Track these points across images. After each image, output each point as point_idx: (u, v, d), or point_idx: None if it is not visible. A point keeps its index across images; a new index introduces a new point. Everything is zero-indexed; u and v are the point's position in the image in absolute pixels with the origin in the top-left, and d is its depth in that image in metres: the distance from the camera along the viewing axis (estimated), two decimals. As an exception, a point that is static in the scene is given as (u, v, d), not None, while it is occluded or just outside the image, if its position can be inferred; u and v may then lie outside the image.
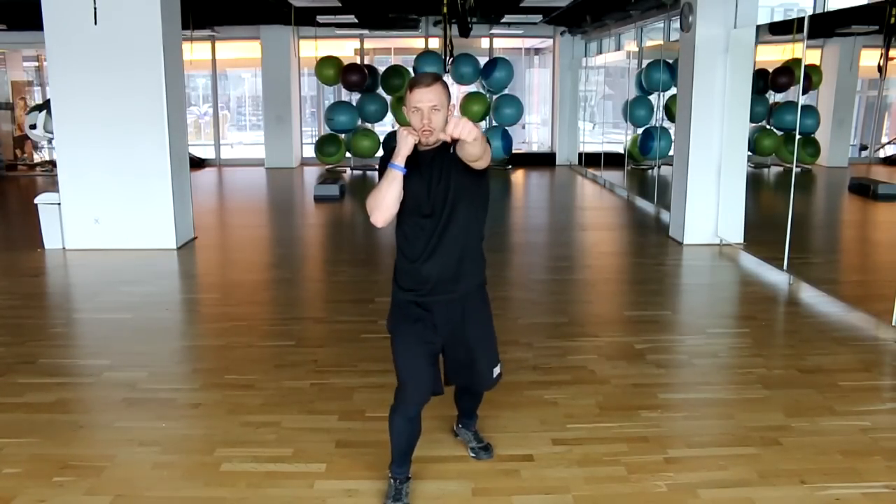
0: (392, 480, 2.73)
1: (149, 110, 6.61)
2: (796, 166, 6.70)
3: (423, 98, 2.45)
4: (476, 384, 2.86)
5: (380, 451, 3.04)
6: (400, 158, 2.46)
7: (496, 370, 2.79)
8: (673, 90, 8.60)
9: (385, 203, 2.50)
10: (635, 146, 11.28)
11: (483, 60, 12.63)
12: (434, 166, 2.53)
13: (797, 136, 6.62)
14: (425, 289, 2.60)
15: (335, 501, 2.75)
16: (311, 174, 12.72)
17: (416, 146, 2.50)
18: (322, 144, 12.81)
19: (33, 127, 7.66)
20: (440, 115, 2.46)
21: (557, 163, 13.98)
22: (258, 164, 13.64)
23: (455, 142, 2.42)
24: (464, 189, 2.53)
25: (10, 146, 13.38)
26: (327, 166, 13.05)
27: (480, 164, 2.48)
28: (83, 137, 6.66)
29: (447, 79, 10.16)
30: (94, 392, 3.83)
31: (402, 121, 11.44)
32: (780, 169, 11.23)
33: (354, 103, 12.81)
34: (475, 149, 2.36)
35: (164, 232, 6.83)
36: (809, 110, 10.66)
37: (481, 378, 2.78)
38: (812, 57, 10.84)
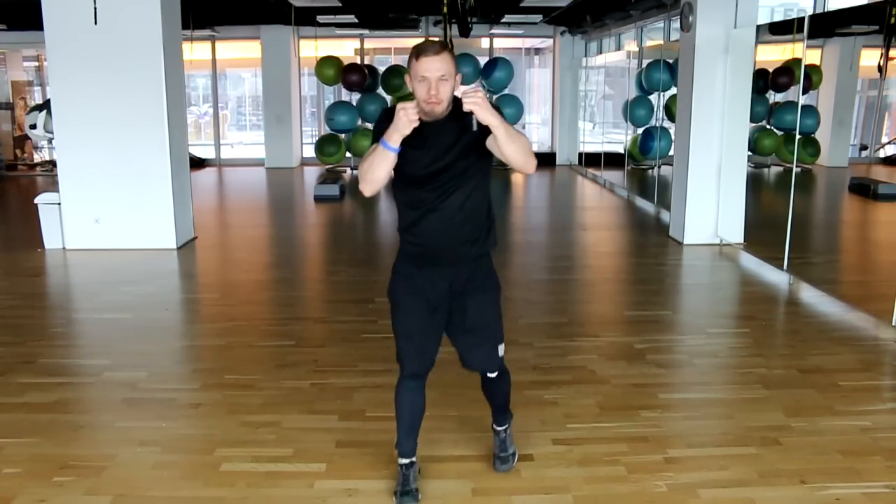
0: (399, 468, 2.71)
1: (149, 110, 6.61)
2: (796, 166, 6.72)
3: (430, 67, 2.30)
4: (479, 357, 2.73)
5: (380, 451, 3.04)
6: (395, 139, 2.31)
7: (500, 347, 2.70)
8: (673, 90, 8.60)
9: (375, 178, 2.41)
10: (635, 146, 11.28)
11: (483, 60, 12.63)
12: (441, 138, 2.40)
13: (797, 136, 6.64)
14: (426, 257, 2.54)
15: (335, 501, 2.75)
16: (311, 174, 12.72)
17: (421, 119, 2.33)
18: (322, 144, 12.80)
19: (33, 127, 7.66)
20: (448, 86, 2.33)
21: (557, 163, 13.97)
22: (258, 164, 13.65)
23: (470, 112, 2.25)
24: (472, 162, 2.43)
25: (10, 146, 13.37)
26: (327, 166, 13.04)
27: (528, 169, 2.36)
28: (83, 137, 6.65)
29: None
30: (94, 392, 3.83)
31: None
32: (781, 169, 11.24)
33: (354, 103, 12.81)
34: (511, 150, 2.26)
35: (164, 232, 6.82)
36: (809, 110, 10.67)
37: (484, 347, 2.68)
38: (812, 57, 10.86)
